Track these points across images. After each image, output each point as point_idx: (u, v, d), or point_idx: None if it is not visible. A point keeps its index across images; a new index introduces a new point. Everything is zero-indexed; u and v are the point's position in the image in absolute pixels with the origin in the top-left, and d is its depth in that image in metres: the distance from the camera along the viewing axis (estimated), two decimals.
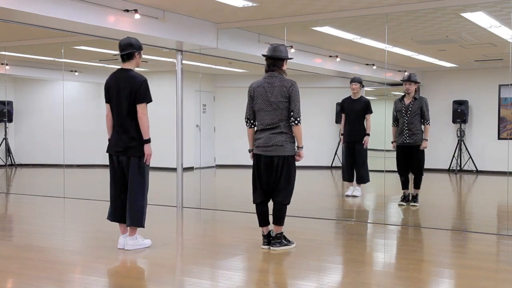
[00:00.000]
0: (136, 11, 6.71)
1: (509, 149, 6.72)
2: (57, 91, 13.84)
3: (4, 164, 13.65)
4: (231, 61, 10.87)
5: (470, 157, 12.06)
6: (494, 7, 6.93)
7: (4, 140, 13.60)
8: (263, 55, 5.35)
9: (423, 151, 8.01)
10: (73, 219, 7.59)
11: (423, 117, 7.92)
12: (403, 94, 8.06)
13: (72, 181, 11.24)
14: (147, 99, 5.17)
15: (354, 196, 9.00)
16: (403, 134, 7.97)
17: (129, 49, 5.24)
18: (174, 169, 8.28)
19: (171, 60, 9.66)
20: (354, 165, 8.98)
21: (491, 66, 11.65)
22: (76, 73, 12.66)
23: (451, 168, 12.09)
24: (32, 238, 5.21)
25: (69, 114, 11.56)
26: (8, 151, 13.67)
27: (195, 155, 12.47)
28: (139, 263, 4.98)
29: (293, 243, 5.44)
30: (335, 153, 12.65)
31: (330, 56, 10.31)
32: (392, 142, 8.21)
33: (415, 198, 8.14)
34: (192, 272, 4.66)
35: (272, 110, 5.23)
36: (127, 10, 6.67)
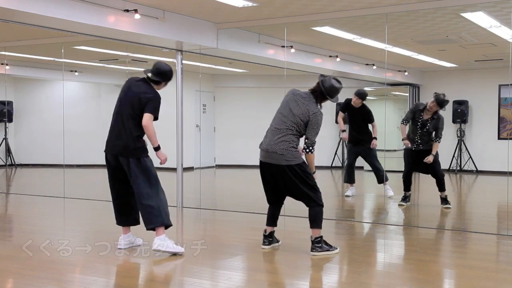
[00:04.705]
0: (136, 11, 6.70)
1: (509, 149, 6.72)
2: (57, 91, 13.83)
3: (4, 164, 13.65)
4: (231, 61, 10.87)
5: (470, 157, 12.08)
6: (494, 7, 6.93)
7: (4, 140, 13.60)
8: (320, 81, 5.13)
9: (437, 153, 7.82)
10: (73, 219, 7.59)
11: (436, 135, 7.71)
12: (425, 103, 7.70)
13: (72, 181, 11.25)
14: (156, 113, 5.07)
15: (347, 196, 9.01)
16: (414, 142, 7.81)
17: (160, 78, 5.17)
18: (174, 169, 8.28)
19: (171, 60, 9.66)
20: (354, 167, 9.00)
21: (491, 66, 11.66)
22: (76, 73, 12.66)
23: (451, 168, 12.10)
24: (32, 238, 5.22)
25: (69, 114, 11.56)
26: (8, 151, 13.67)
27: (195, 155, 12.47)
28: (139, 263, 4.98)
29: (336, 248, 5.23)
30: (335, 153, 12.66)
31: (330, 56, 10.31)
32: (403, 139, 7.93)
33: (445, 201, 7.91)
34: (192, 272, 4.65)
35: (288, 119, 5.08)
36: (127, 10, 6.67)
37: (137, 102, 5.05)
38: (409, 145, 7.88)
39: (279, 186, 5.19)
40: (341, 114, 9.07)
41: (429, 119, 7.68)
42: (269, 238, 5.40)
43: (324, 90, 5.12)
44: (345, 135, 9.13)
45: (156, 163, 5.20)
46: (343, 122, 9.07)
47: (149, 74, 5.17)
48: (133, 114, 5.06)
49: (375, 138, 8.79)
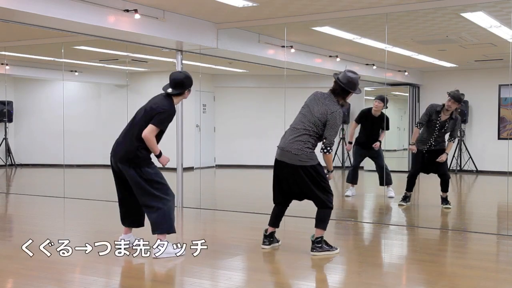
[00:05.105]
0: (136, 11, 6.70)
1: (509, 149, 6.72)
2: (57, 91, 13.84)
3: (4, 164, 13.65)
4: (231, 61, 10.87)
5: (470, 157, 12.07)
6: (494, 7, 6.93)
7: (4, 140, 13.60)
8: (337, 78, 5.10)
9: (447, 153, 7.79)
10: (73, 219, 7.59)
11: (452, 135, 7.65)
12: (441, 105, 7.57)
13: (72, 181, 11.25)
14: (162, 126, 5.00)
15: (347, 196, 9.00)
16: (427, 144, 7.71)
17: (180, 88, 5.13)
18: (174, 169, 8.28)
19: (171, 60, 9.66)
20: (357, 168, 8.99)
21: (491, 66, 11.65)
22: (76, 73, 12.67)
23: (451, 168, 12.09)
24: (32, 238, 5.22)
25: (69, 114, 11.56)
26: (8, 151, 13.67)
27: (195, 155, 12.47)
28: (139, 263, 4.98)
29: (336, 248, 5.22)
30: (335, 153, 12.65)
31: (330, 56, 10.31)
32: (412, 144, 7.82)
33: (446, 201, 7.90)
34: (192, 272, 4.65)
35: (307, 120, 5.07)
36: (127, 10, 6.67)
37: (149, 113, 5.02)
38: (415, 151, 7.83)
39: (290, 185, 5.16)
40: (355, 124, 8.96)
41: (447, 119, 7.58)
42: (270, 238, 5.39)
43: (343, 86, 5.07)
44: (350, 147, 9.06)
45: (158, 164, 5.17)
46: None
47: (169, 90, 5.13)
48: (144, 124, 5.00)
49: (380, 141, 8.75)
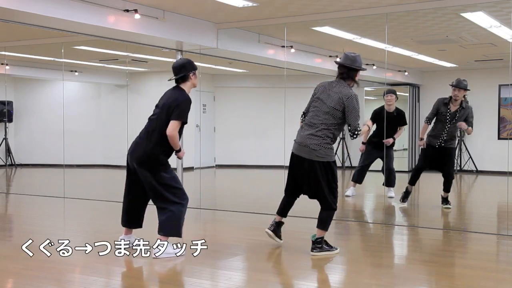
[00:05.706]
0: (136, 11, 6.71)
1: (509, 149, 6.72)
2: (57, 91, 13.84)
3: (4, 164, 13.65)
4: (231, 61, 10.87)
5: (470, 157, 12.07)
6: (494, 7, 6.93)
7: (4, 140, 13.61)
8: (340, 63, 5.11)
9: (454, 152, 7.77)
10: (73, 219, 7.59)
11: (467, 124, 7.60)
12: (449, 97, 7.57)
13: (72, 181, 11.25)
14: (183, 118, 5.01)
15: (347, 196, 8.99)
16: (440, 138, 7.63)
17: (182, 71, 5.13)
18: (174, 169, 8.26)
19: (171, 60, 9.66)
20: (366, 168, 8.96)
21: (491, 66, 11.65)
22: (76, 73, 12.67)
23: None
24: (32, 238, 5.23)
25: (69, 114, 11.56)
26: (8, 151, 13.67)
27: (195, 155, 12.47)
28: (139, 263, 4.98)
29: (336, 248, 5.23)
30: (335, 153, 12.67)
31: (330, 56, 10.31)
32: (420, 139, 7.80)
33: (446, 201, 7.88)
34: (192, 272, 4.65)
35: (323, 113, 5.04)
36: (127, 10, 6.67)
37: (166, 110, 5.00)
38: (423, 146, 7.79)
39: (304, 181, 5.15)
40: (372, 125, 8.85)
41: (457, 109, 7.54)
42: (276, 227, 5.41)
43: (350, 65, 5.04)
44: (363, 147, 8.96)
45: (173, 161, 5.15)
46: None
47: (174, 78, 5.15)
48: (162, 123, 4.98)
49: (394, 139, 8.67)
